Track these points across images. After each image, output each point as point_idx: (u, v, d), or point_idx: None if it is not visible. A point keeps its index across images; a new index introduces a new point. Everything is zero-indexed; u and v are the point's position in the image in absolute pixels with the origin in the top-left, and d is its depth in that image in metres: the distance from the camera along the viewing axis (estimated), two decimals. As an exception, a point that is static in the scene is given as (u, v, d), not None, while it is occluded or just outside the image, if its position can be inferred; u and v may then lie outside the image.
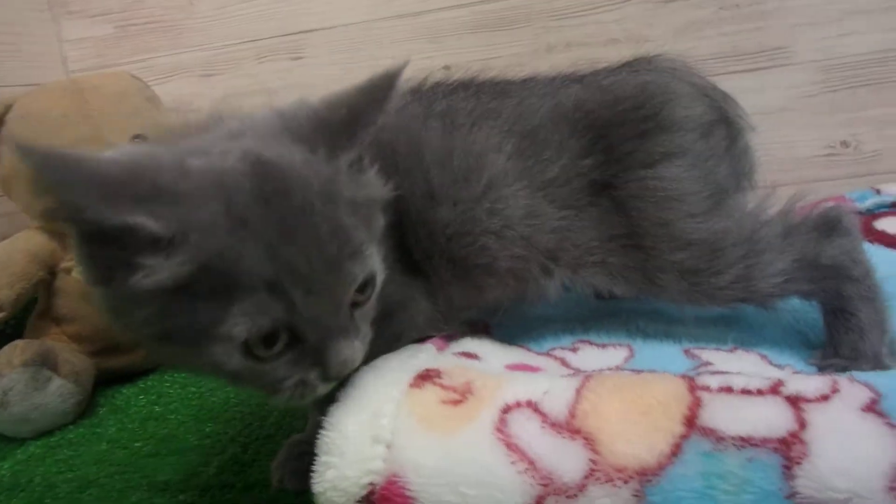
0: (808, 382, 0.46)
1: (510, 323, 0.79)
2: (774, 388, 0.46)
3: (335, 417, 0.53)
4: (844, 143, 1.14)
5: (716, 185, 0.68)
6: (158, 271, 0.46)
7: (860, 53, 1.11)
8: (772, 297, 0.65)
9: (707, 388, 0.47)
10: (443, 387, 0.55)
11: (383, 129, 0.60)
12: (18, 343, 0.93)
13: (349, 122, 0.53)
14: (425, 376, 0.56)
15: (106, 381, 1.02)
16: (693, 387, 0.47)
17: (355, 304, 0.53)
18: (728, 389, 0.47)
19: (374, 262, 0.54)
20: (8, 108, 1.01)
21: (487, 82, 0.76)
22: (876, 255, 0.82)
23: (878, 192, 0.99)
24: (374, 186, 0.57)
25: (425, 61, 1.22)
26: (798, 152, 1.15)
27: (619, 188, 0.67)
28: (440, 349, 0.68)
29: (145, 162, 0.49)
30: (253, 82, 1.30)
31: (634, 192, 0.67)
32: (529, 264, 0.68)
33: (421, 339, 0.69)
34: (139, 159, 0.50)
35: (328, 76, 1.27)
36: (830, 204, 0.71)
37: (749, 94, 1.14)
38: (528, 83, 0.76)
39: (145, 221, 0.44)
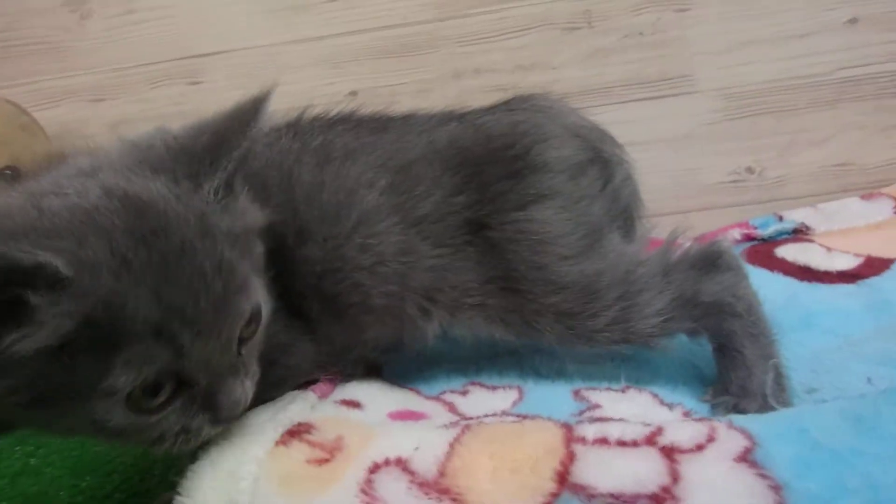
0: (685, 430, 0.43)
1: (402, 361, 0.75)
2: (651, 439, 0.43)
3: (192, 480, 0.49)
4: (749, 170, 1.14)
5: (589, 226, 0.67)
6: (42, 328, 0.42)
7: (761, 81, 1.12)
8: (653, 338, 0.64)
9: (582, 440, 0.44)
10: (311, 443, 0.51)
11: (254, 160, 0.59)
12: None
13: (212, 148, 0.51)
14: (294, 432, 0.52)
15: None
16: (569, 438, 0.44)
17: (242, 340, 0.51)
18: (603, 441, 0.44)
19: (259, 293, 0.52)
20: None
21: (368, 117, 0.74)
22: (776, 283, 0.82)
23: (781, 218, 1.00)
24: (249, 214, 0.54)
25: (328, 87, 1.20)
26: (704, 178, 1.15)
27: (494, 229, 0.66)
28: (323, 396, 0.64)
29: (9, 210, 0.45)
30: (147, 108, 1.23)
31: (509, 235, 0.65)
32: (405, 303, 0.66)
33: (307, 383, 0.65)
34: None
35: (227, 101, 1.20)
36: (711, 239, 0.70)
37: (654, 120, 1.15)
38: (409, 119, 0.74)
39: (50, 258, 0.41)
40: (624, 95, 1.15)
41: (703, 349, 0.67)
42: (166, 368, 0.46)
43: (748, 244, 0.95)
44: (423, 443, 0.48)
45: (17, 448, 0.88)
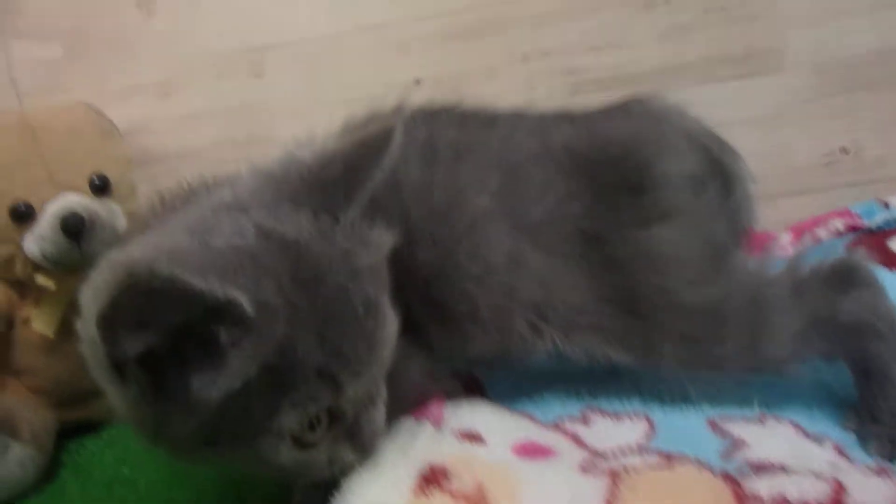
0: (870, 489, 0.39)
1: (505, 380, 0.72)
2: (836, 500, 0.38)
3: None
4: (844, 150, 1.08)
5: (714, 246, 0.63)
6: (230, 370, 0.43)
7: (856, 54, 1.05)
8: (786, 363, 0.59)
9: (758, 499, 0.40)
10: (452, 495, 0.48)
11: None
12: None
13: (346, 180, 0.51)
14: (430, 479, 0.49)
15: (67, 433, 0.95)
16: (740, 496, 0.41)
17: None
18: (783, 502, 0.39)
19: (395, 321, 0.52)
20: None
21: (473, 111, 0.70)
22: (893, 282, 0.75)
23: (887, 205, 0.93)
24: (385, 242, 0.53)
25: (392, 75, 1.15)
26: (794, 161, 1.09)
27: (613, 246, 0.62)
28: (437, 423, 0.60)
29: (182, 247, 0.46)
30: (213, 101, 1.21)
31: (630, 255, 0.62)
32: (514, 318, 0.62)
33: (416, 400, 0.63)
34: (167, 246, 0.46)
35: (291, 92, 1.19)
36: (841, 254, 0.65)
37: (739, 100, 1.09)
38: (518, 117, 0.70)
39: (238, 296, 0.41)
40: (706, 74, 1.09)
41: (832, 367, 0.62)
42: (325, 406, 0.48)
43: (852, 235, 0.89)
44: (576, 498, 0.45)
45: (107, 453, 0.91)
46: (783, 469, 0.43)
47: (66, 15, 1.21)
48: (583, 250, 0.63)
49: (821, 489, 0.39)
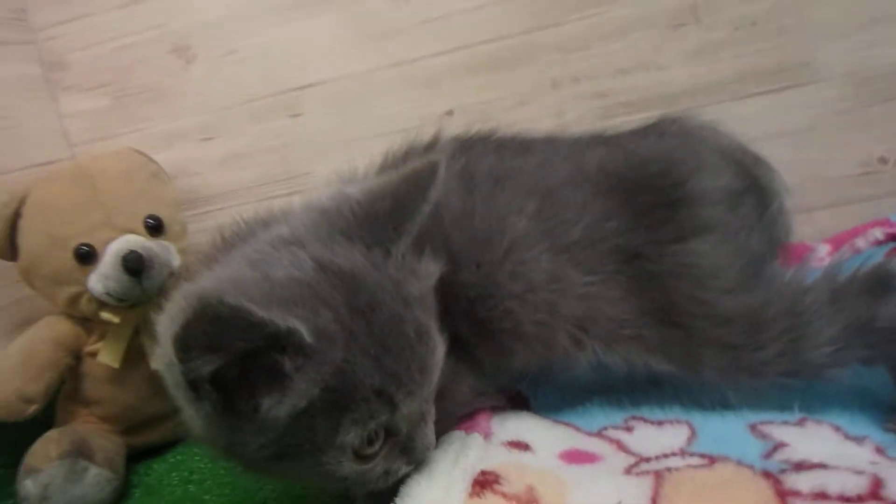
0: None
1: (549, 394, 0.75)
2: (874, 492, 0.39)
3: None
4: (882, 160, 1.06)
5: (749, 257, 0.65)
6: (294, 393, 0.47)
7: (891, 63, 1.04)
8: (825, 368, 0.60)
9: (798, 494, 0.41)
10: (505, 496, 0.51)
11: None
12: (52, 434, 0.92)
13: (394, 214, 0.54)
14: (483, 483, 0.53)
15: (134, 457, 1.01)
16: (781, 492, 0.42)
17: None
18: (823, 496, 0.41)
19: (443, 344, 0.56)
20: (23, 200, 0.99)
21: (508, 138, 0.74)
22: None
23: (927, 213, 0.91)
24: (432, 272, 0.57)
25: (425, 108, 1.19)
26: (830, 172, 1.09)
27: (650, 260, 0.64)
28: (486, 435, 0.64)
29: (246, 279, 0.50)
30: (252, 143, 1.26)
31: (668, 268, 0.64)
32: (556, 333, 0.65)
33: (466, 415, 0.67)
34: (233, 278, 0.51)
35: (327, 129, 1.23)
36: (878, 260, 0.65)
37: (773, 115, 1.09)
38: (552, 141, 0.73)
39: (298, 325, 0.45)
40: (738, 91, 1.09)
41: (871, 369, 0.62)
42: (382, 423, 0.51)
43: (892, 244, 0.87)
44: (624, 496, 0.46)
45: (174, 475, 0.96)
46: (823, 466, 0.44)
47: (110, 67, 1.28)
48: (621, 266, 0.65)
49: (859, 483, 0.40)
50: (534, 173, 0.68)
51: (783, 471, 0.46)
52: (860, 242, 0.95)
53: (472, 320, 0.65)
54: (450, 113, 1.19)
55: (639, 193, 0.66)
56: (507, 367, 0.68)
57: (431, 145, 0.73)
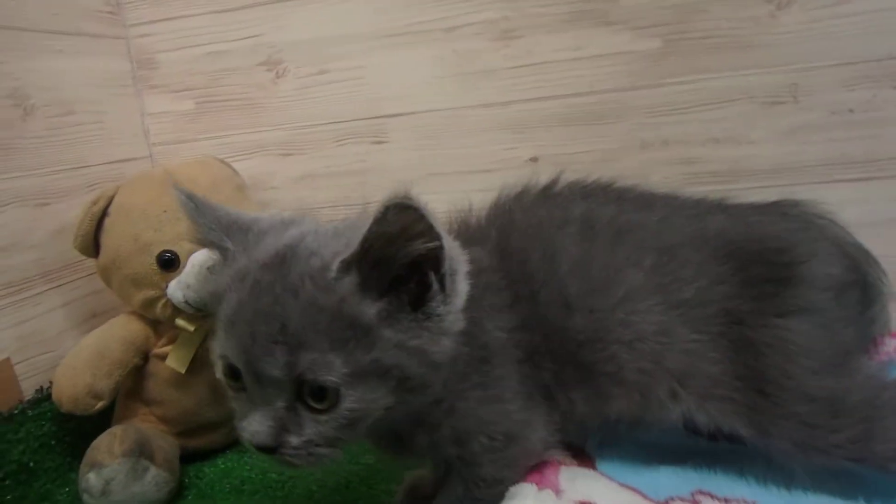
0: None
1: (614, 456, 0.76)
2: None
3: None
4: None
5: (841, 347, 0.67)
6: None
7: None
8: (891, 462, 0.63)
9: None
10: None
11: (513, 231, 0.70)
12: (116, 431, 0.93)
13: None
14: None
15: (184, 459, 1.01)
16: None
17: (313, 409, 0.56)
18: None
19: (331, 375, 0.55)
20: (110, 199, 1.00)
21: (629, 191, 0.75)
22: None
23: None
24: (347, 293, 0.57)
25: (509, 151, 1.20)
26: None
27: (751, 328, 0.67)
28: (557, 492, 0.65)
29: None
30: (331, 164, 1.26)
31: (766, 339, 0.66)
32: (656, 383, 0.67)
33: (533, 467, 0.69)
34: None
35: (409, 161, 1.23)
36: None
37: (857, 203, 1.09)
38: (672, 200, 0.75)
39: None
40: (823, 175, 1.10)
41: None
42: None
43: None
44: None
45: (226, 483, 0.96)
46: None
47: (199, 72, 1.30)
48: (724, 329, 0.67)
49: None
50: (654, 229, 0.70)
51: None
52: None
53: (576, 362, 0.68)
54: (534, 159, 1.19)
55: (753, 265, 0.68)
56: (600, 412, 0.70)
57: (549, 188, 0.75)
